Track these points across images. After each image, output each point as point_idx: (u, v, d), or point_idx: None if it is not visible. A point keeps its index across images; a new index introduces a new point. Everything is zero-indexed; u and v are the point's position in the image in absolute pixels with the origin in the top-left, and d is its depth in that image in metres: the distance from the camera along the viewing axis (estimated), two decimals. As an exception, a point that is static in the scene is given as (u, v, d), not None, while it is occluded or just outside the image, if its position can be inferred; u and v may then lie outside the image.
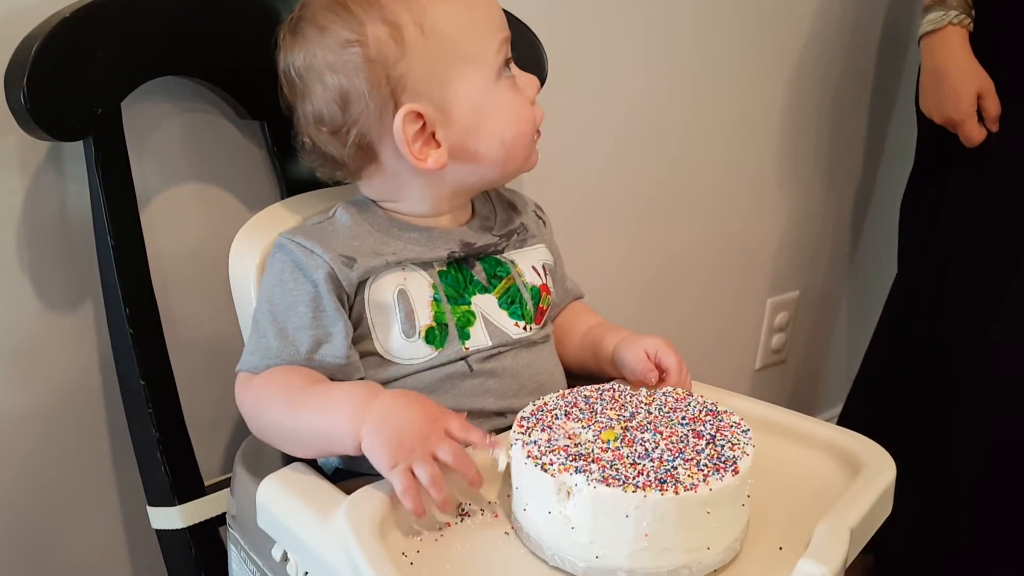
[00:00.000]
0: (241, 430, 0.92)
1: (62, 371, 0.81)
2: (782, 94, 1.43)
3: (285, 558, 0.63)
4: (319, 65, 0.68)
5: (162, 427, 0.76)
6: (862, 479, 0.64)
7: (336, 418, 0.62)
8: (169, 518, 0.78)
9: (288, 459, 0.71)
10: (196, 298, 0.86)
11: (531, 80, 0.73)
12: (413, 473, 0.58)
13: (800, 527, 0.60)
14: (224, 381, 0.89)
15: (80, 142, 0.72)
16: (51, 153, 0.76)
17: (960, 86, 1.10)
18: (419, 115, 0.67)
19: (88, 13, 0.69)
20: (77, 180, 0.77)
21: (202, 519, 0.79)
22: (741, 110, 1.39)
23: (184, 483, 0.78)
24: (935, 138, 1.20)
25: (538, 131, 0.74)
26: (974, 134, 1.12)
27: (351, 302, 0.68)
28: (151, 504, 0.79)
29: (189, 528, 0.78)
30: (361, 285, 0.68)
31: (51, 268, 0.79)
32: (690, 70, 1.27)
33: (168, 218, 0.83)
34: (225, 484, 0.80)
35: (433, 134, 0.69)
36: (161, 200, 0.83)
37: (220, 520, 0.80)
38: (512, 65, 0.72)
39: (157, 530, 0.79)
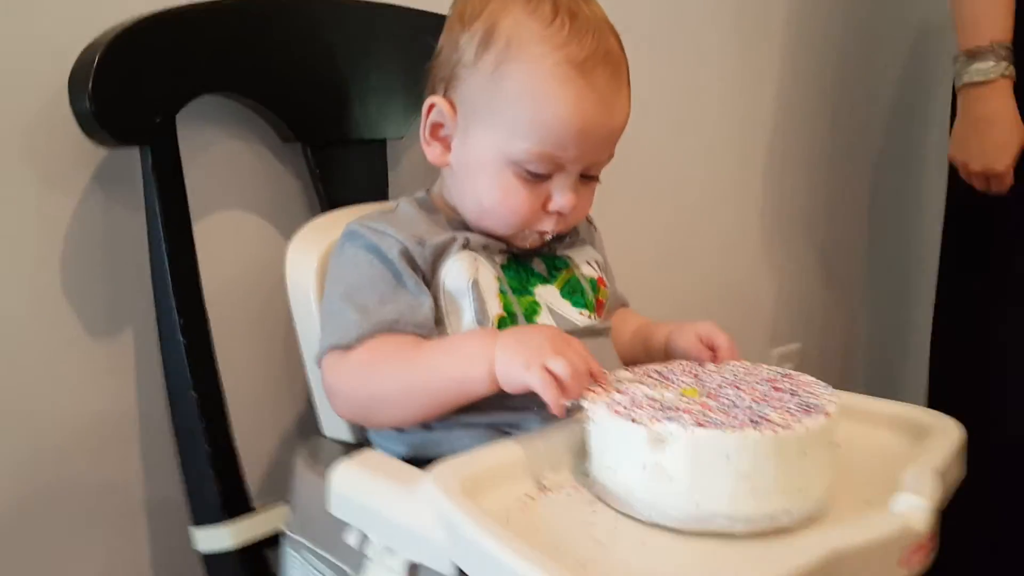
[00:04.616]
0: (280, 456, 0.90)
1: (97, 400, 0.80)
2: (778, 149, 1.50)
3: (362, 540, 0.61)
4: (449, 20, 0.73)
5: (213, 441, 0.75)
6: (934, 438, 0.65)
7: (467, 354, 0.63)
8: (219, 538, 0.75)
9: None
10: (237, 321, 0.86)
11: (567, 200, 0.69)
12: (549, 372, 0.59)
13: (882, 486, 0.59)
14: (267, 411, 0.89)
15: (132, 159, 0.74)
16: (98, 174, 0.77)
17: (1008, 138, 1.09)
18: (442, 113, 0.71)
19: (148, 25, 0.72)
20: (123, 203, 0.78)
21: (252, 538, 0.76)
22: (739, 166, 1.44)
23: (234, 500, 0.76)
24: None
25: (551, 230, 0.71)
26: (1007, 186, 1.12)
27: (427, 283, 0.69)
28: (198, 523, 0.76)
29: (239, 547, 0.75)
30: (435, 269, 0.69)
31: (93, 292, 0.78)
32: (687, 126, 1.33)
33: (211, 239, 0.83)
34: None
35: (449, 136, 0.72)
36: (205, 221, 0.83)
37: (267, 544, 0.77)
38: (560, 177, 0.69)
39: (204, 554, 0.76)
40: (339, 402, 0.68)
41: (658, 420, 0.55)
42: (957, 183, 1.21)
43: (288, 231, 0.85)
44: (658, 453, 0.55)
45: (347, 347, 0.66)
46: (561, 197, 0.69)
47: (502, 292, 0.70)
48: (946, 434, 0.65)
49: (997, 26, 1.08)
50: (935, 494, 0.55)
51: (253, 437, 0.85)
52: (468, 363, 0.63)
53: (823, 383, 0.62)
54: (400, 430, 0.69)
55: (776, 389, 0.60)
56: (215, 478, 0.75)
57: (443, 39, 0.73)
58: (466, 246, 0.70)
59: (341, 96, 0.86)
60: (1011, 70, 1.08)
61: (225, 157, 0.85)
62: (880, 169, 1.74)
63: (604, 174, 0.75)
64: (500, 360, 0.61)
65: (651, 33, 1.24)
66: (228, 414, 0.77)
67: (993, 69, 1.07)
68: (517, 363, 0.60)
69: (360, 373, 0.66)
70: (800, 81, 1.51)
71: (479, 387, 0.63)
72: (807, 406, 0.57)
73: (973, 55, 1.09)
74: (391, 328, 0.66)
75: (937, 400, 1.27)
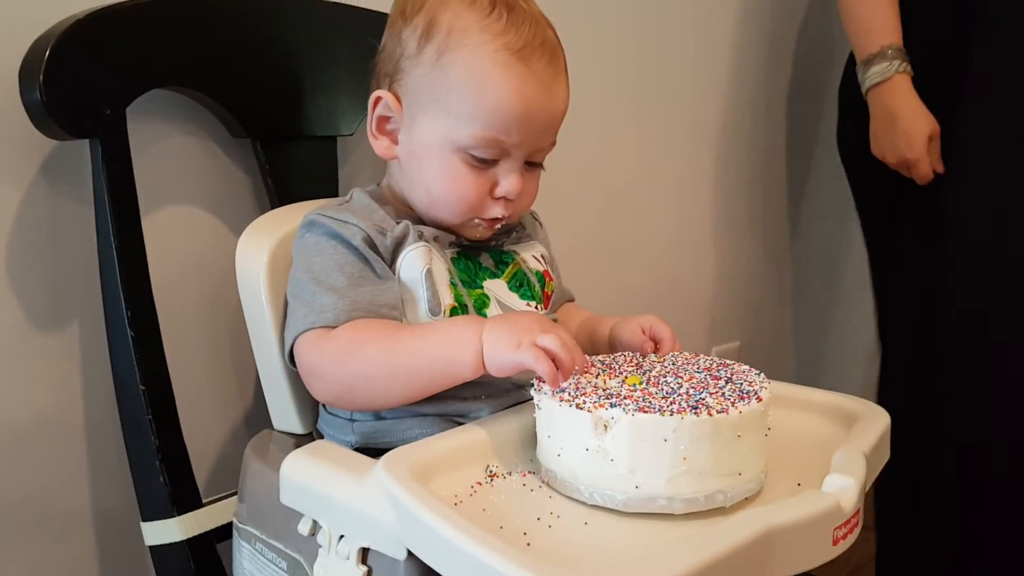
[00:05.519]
0: (228, 449, 0.90)
1: (43, 395, 0.79)
2: (720, 158, 1.54)
3: (314, 529, 0.62)
4: (391, 16, 0.75)
5: (161, 434, 0.75)
6: (862, 423, 0.68)
7: (454, 338, 0.64)
8: (167, 531, 0.75)
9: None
10: (185, 315, 0.86)
11: (513, 184, 0.71)
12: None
13: (813, 470, 0.62)
14: (216, 405, 0.89)
15: (80, 151, 0.74)
16: (45, 167, 0.77)
17: (913, 127, 1.17)
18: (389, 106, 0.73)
19: (100, 18, 0.71)
20: (70, 196, 0.78)
21: (201, 531, 0.76)
22: (682, 172, 1.48)
23: (182, 493, 0.76)
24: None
25: (497, 219, 0.73)
26: (928, 172, 1.18)
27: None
28: (146, 519, 0.76)
29: (188, 541, 0.75)
30: (394, 258, 0.70)
31: (39, 285, 0.78)
32: (635, 130, 1.37)
33: (160, 233, 0.83)
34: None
35: (396, 130, 0.74)
36: (154, 215, 0.83)
37: (218, 536, 0.78)
38: (506, 163, 0.71)
39: (151, 547, 0.76)
40: (319, 382, 0.69)
41: (602, 406, 0.57)
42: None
43: (237, 226, 0.86)
44: (601, 437, 0.57)
45: (328, 327, 0.67)
46: (507, 182, 0.72)
47: (452, 284, 0.72)
48: (873, 420, 0.69)
49: (885, 31, 1.19)
50: (863, 475, 0.58)
51: (201, 431, 0.85)
52: (455, 346, 0.64)
53: (757, 371, 0.65)
54: (351, 420, 0.70)
55: (713, 377, 0.63)
56: (163, 471, 0.74)
57: (386, 35, 0.75)
58: (420, 237, 0.72)
59: (292, 92, 0.87)
60: (905, 67, 1.18)
61: (175, 151, 0.85)
62: (808, 177, 1.80)
63: (552, 173, 0.77)
64: (488, 343, 0.63)
65: (601, 35, 1.27)
66: (176, 407, 0.77)
67: (888, 68, 1.18)
68: (506, 344, 0.62)
69: (344, 352, 0.66)
70: (746, 91, 1.56)
71: (465, 370, 0.64)
72: (742, 392, 0.59)
73: (869, 62, 1.20)
74: (368, 309, 0.68)
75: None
